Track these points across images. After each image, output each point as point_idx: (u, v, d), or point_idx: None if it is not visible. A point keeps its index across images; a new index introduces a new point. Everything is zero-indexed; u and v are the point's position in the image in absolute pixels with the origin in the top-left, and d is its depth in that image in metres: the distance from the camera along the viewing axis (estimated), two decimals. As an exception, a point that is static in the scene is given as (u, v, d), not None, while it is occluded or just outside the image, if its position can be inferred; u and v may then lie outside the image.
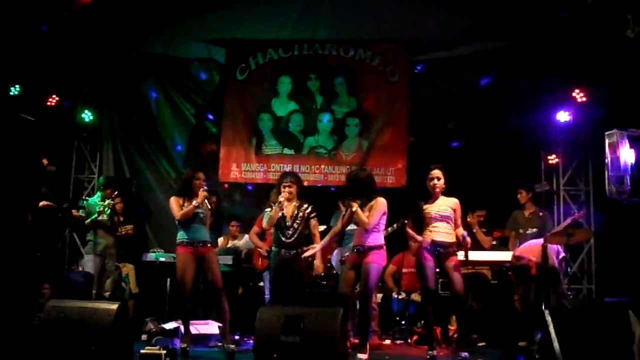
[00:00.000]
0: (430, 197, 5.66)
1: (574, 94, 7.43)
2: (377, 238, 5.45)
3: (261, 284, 7.16)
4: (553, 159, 7.72)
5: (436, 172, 5.62)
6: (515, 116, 7.82)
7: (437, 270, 5.61)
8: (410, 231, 5.76)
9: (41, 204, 6.72)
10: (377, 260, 5.40)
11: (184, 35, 8.44)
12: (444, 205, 5.57)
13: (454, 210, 5.57)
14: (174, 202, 5.70)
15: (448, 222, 5.54)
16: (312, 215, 5.94)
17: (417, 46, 8.17)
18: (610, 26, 6.66)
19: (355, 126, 8.31)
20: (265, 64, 8.46)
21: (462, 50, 8.04)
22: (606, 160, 5.41)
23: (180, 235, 5.69)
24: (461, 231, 5.57)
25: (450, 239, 5.54)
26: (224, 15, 8.29)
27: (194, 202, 5.58)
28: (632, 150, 5.33)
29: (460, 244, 5.62)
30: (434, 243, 5.51)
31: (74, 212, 7.12)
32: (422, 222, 5.58)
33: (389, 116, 8.20)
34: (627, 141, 5.41)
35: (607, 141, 5.45)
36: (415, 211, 5.64)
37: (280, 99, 8.47)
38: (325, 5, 8.19)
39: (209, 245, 5.75)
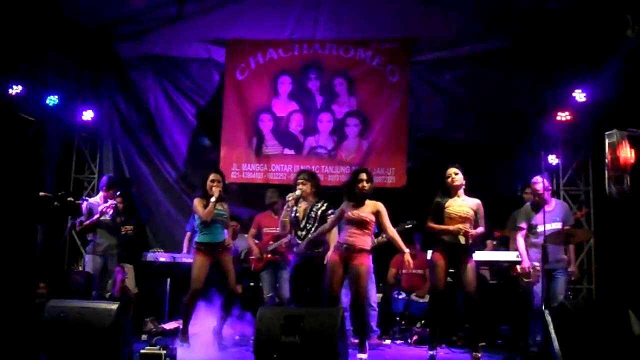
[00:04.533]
0: (450, 196, 5.54)
1: (574, 94, 7.43)
2: (369, 242, 5.46)
3: (260, 284, 7.16)
4: (553, 159, 7.71)
5: (453, 169, 5.53)
6: (516, 116, 7.83)
7: (451, 270, 5.53)
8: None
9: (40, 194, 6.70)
10: (366, 262, 5.40)
11: (184, 35, 8.44)
12: (465, 206, 5.46)
13: (475, 212, 5.47)
14: (197, 203, 6.00)
15: (468, 224, 5.44)
16: (329, 212, 5.78)
17: (417, 46, 8.18)
18: (610, 26, 6.67)
19: (355, 126, 8.31)
20: (265, 64, 8.47)
21: (462, 50, 8.05)
22: (606, 160, 5.40)
23: (200, 238, 5.95)
24: (480, 230, 5.52)
25: (469, 241, 5.43)
26: (224, 15, 8.29)
27: (211, 199, 5.89)
28: (632, 150, 5.32)
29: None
30: (448, 245, 5.46)
31: (70, 199, 7.04)
32: (441, 219, 5.49)
33: (389, 116, 8.21)
34: (627, 141, 5.40)
35: (607, 141, 5.44)
36: (435, 208, 5.55)
37: (280, 99, 8.47)
38: (325, 5, 8.19)
39: (225, 249, 6.02)
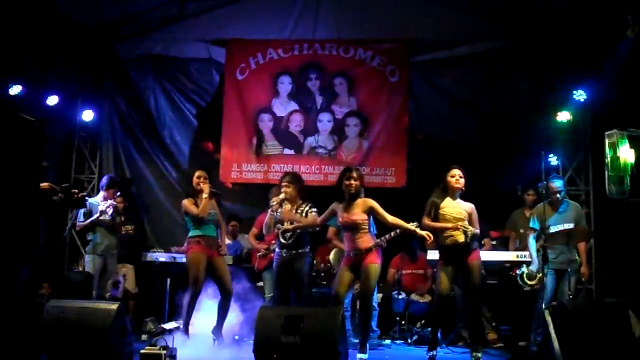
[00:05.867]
0: (446, 197, 5.57)
1: (574, 94, 7.43)
2: (372, 238, 5.52)
3: (260, 284, 7.17)
4: (553, 159, 7.71)
5: (457, 171, 5.56)
6: (516, 116, 7.83)
7: (456, 271, 5.49)
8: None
9: (42, 185, 6.67)
10: (376, 260, 5.44)
11: (184, 35, 8.44)
12: (460, 208, 5.50)
13: (470, 215, 5.51)
14: (188, 202, 5.95)
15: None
16: (312, 211, 5.90)
17: (417, 46, 8.17)
18: (610, 26, 6.66)
19: (355, 126, 8.31)
20: (265, 64, 8.45)
21: (462, 50, 8.05)
22: (606, 160, 5.41)
23: (193, 232, 5.92)
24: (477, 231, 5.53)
25: (470, 238, 5.43)
26: (224, 15, 8.29)
27: (203, 195, 5.87)
28: (632, 150, 5.32)
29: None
30: (449, 247, 5.45)
31: (74, 190, 6.99)
32: (436, 220, 5.50)
33: (389, 116, 8.21)
34: (627, 141, 5.41)
35: (607, 141, 5.45)
36: (431, 207, 5.55)
37: (280, 99, 8.47)
38: (325, 5, 8.19)
39: (218, 247, 6.02)
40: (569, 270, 5.92)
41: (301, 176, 6.35)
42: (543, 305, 5.70)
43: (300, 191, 6.00)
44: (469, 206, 5.57)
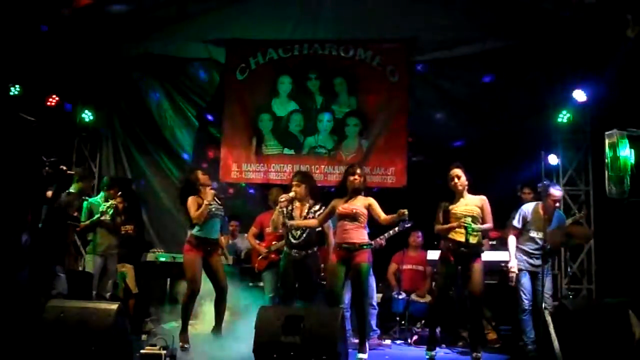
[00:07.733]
0: (454, 197, 5.55)
1: (574, 94, 7.43)
2: (365, 235, 5.50)
3: (261, 284, 7.16)
4: (553, 158, 7.71)
5: (455, 171, 5.52)
6: (516, 116, 7.83)
7: (456, 270, 5.50)
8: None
9: None
10: (367, 259, 5.43)
11: (184, 35, 8.44)
12: (471, 205, 5.47)
13: (481, 208, 5.49)
14: (192, 202, 5.83)
15: (475, 222, 5.43)
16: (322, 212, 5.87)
17: (417, 46, 8.18)
18: (610, 26, 6.67)
19: (355, 126, 8.32)
20: (265, 64, 8.47)
21: (462, 50, 8.04)
22: (606, 160, 5.41)
23: (195, 232, 5.82)
24: (487, 226, 5.55)
25: (476, 240, 5.43)
26: (224, 15, 8.29)
27: (204, 202, 5.75)
28: (632, 150, 5.32)
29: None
30: (457, 244, 5.42)
31: (63, 167, 6.94)
32: (448, 221, 5.47)
33: (389, 116, 8.22)
34: (627, 141, 5.41)
35: (607, 141, 5.45)
36: (441, 211, 5.54)
37: (280, 99, 8.47)
38: (325, 5, 8.19)
39: (217, 247, 5.93)
40: (539, 272, 5.89)
41: (312, 176, 6.30)
42: (527, 307, 5.78)
43: (312, 191, 5.96)
44: (480, 199, 5.55)
